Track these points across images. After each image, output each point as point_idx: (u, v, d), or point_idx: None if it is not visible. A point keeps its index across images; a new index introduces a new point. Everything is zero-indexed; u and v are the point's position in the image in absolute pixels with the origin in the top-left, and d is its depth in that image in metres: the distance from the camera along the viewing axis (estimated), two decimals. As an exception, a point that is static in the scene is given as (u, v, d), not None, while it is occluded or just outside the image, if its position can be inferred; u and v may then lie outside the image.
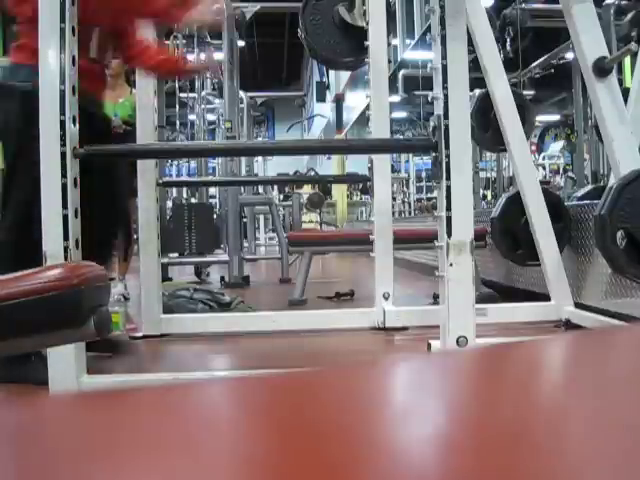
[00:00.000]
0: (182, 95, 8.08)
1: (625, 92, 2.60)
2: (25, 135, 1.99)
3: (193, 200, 7.19)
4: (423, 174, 11.93)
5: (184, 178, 9.37)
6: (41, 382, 1.77)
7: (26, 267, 0.90)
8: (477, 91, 3.24)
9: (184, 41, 6.89)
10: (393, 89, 8.35)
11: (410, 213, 11.44)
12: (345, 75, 12.28)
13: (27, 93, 2.00)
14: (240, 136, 5.52)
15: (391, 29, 7.89)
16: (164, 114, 5.03)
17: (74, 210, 1.74)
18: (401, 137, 10.13)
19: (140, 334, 2.74)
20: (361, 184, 10.34)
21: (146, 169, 2.77)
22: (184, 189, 7.53)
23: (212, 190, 8.46)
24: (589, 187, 4.39)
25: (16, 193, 2.08)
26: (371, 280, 2.96)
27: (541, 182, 3.24)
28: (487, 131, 3.20)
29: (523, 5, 6.14)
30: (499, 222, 3.03)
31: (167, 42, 5.99)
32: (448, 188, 1.81)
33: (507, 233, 3.02)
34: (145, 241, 2.82)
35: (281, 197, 10.24)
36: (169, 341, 2.75)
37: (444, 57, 1.81)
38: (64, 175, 1.72)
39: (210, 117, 8.89)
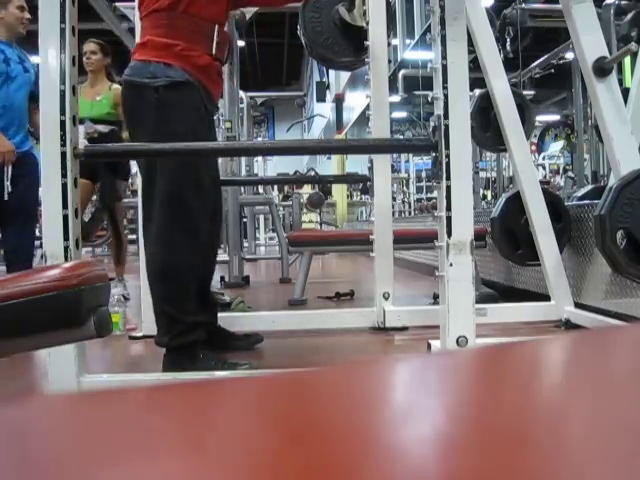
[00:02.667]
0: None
1: (625, 92, 2.60)
2: (162, 132, 1.99)
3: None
4: (423, 174, 11.93)
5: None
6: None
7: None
8: (477, 91, 3.24)
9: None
10: (393, 89, 8.35)
11: (410, 213, 11.44)
12: (345, 75, 12.29)
13: (161, 88, 2.03)
14: (240, 136, 5.52)
15: (391, 29, 7.90)
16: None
17: (74, 210, 1.74)
18: (401, 137, 10.13)
19: (140, 334, 2.74)
20: (361, 184, 10.34)
21: (146, 169, 2.77)
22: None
23: (212, 190, 8.44)
24: (589, 187, 4.38)
25: (161, 185, 2.06)
26: (371, 280, 2.96)
27: (541, 182, 3.24)
28: (487, 131, 3.20)
29: (523, 5, 6.13)
30: (499, 222, 3.03)
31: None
32: (448, 188, 1.81)
33: (507, 233, 3.02)
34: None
35: (281, 197, 10.24)
36: (169, 341, 2.75)
37: (444, 57, 1.81)
38: (64, 175, 1.73)
39: (210, 117, 8.87)
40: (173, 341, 2.06)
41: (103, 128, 3.70)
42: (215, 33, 2.12)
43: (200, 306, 2.20)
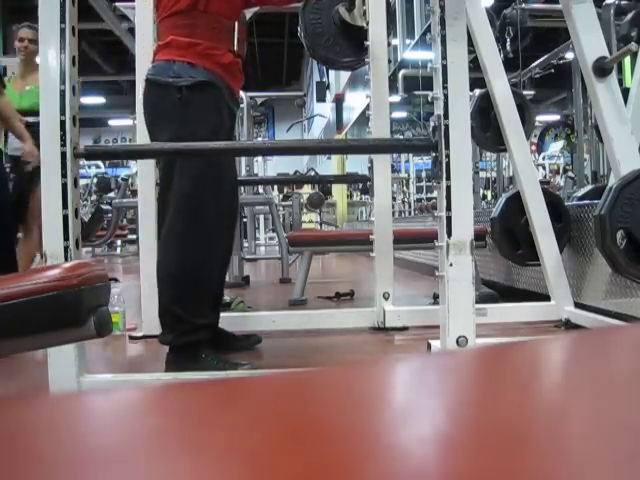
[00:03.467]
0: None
1: (625, 92, 2.60)
2: (183, 132, 1.99)
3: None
4: (423, 174, 11.92)
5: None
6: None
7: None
8: (477, 91, 3.23)
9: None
10: (393, 89, 8.35)
11: (410, 213, 11.44)
12: (345, 75, 12.28)
13: (185, 88, 2.03)
14: (240, 136, 5.52)
15: (391, 29, 7.90)
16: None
17: (74, 210, 1.74)
18: (401, 137, 10.12)
19: (140, 334, 2.74)
20: (361, 184, 10.34)
21: (146, 169, 2.77)
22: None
23: (212, 190, 8.44)
24: (589, 187, 4.38)
25: (178, 184, 2.07)
26: (371, 280, 2.96)
27: (541, 182, 3.24)
28: (487, 131, 3.20)
29: (523, 5, 6.13)
30: (499, 222, 3.03)
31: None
32: (448, 188, 1.81)
33: (507, 233, 3.02)
34: (145, 241, 2.81)
35: (281, 197, 10.24)
36: (169, 341, 2.75)
37: (444, 57, 1.81)
38: (64, 175, 1.73)
39: (210, 117, 8.86)
40: (177, 339, 2.07)
41: (33, 119, 3.39)
42: (235, 30, 2.14)
43: (211, 309, 2.21)
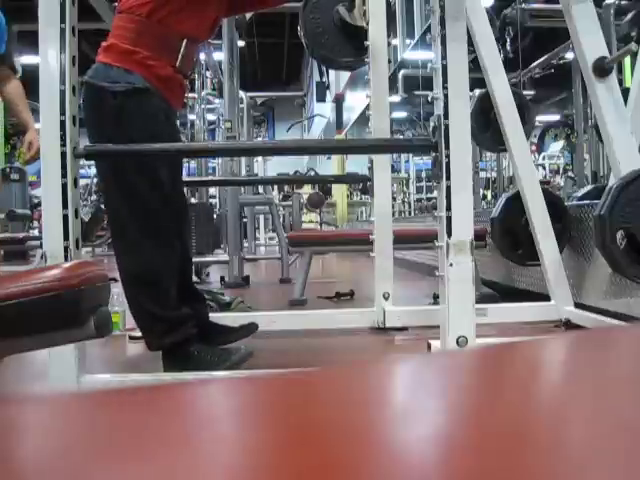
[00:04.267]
0: (182, 95, 8.05)
1: (625, 92, 2.60)
2: (119, 137, 1.99)
3: (193, 200, 7.19)
4: (423, 174, 11.93)
5: (184, 178, 9.34)
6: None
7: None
8: (477, 91, 3.23)
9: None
10: (393, 89, 8.35)
11: (410, 213, 11.44)
12: (345, 75, 12.28)
13: (119, 94, 2.03)
14: (240, 136, 5.52)
15: (391, 29, 7.89)
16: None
17: (74, 210, 1.74)
18: (401, 137, 10.12)
19: (140, 334, 2.73)
20: (361, 184, 10.33)
21: (146, 169, 2.77)
22: (184, 189, 7.50)
23: (212, 190, 8.45)
24: (589, 187, 4.39)
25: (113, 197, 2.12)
26: (371, 280, 2.96)
27: (541, 182, 3.24)
28: (487, 131, 3.20)
29: (523, 5, 6.13)
30: (499, 222, 3.03)
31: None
32: (448, 188, 1.81)
33: (507, 233, 3.02)
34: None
35: (281, 197, 10.24)
36: (169, 341, 2.75)
37: (444, 57, 1.81)
38: (64, 175, 1.73)
39: (210, 117, 8.89)
40: (163, 341, 2.06)
41: None
42: (182, 47, 2.12)
43: (181, 301, 2.19)
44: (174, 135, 2.37)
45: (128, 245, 2.12)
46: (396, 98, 9.04)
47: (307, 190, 9.94)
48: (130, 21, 2.08)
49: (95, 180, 9.76)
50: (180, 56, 2.12)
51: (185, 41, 2.13)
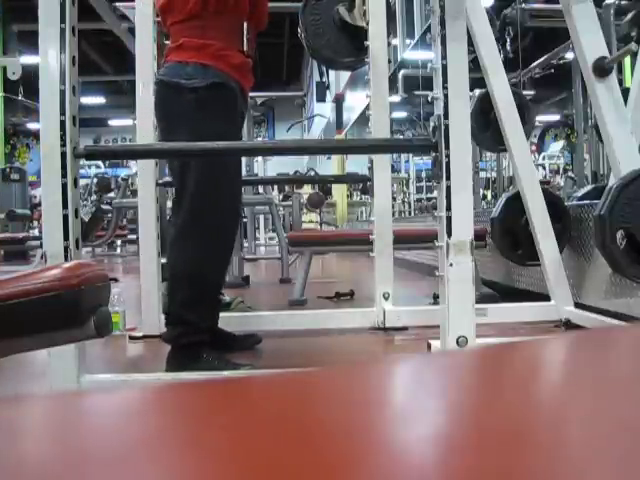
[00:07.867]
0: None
1: (625, 92, 2.60)
2: (199, 130, 2.00)
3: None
4: (423, 174, 11.93)
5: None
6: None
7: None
8: (477, 91, 3.23)
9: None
10: (393, 89, 8.35)
11: (410, 213, 11.44)
12: (345, 75, 12.27)
13: (200, 89, 2.05)
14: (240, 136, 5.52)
15: (391, 29, 7.89)
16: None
17: (74, 210, 1.74)
18: (401, 137, 10.12)
19: (140, 334, 2.74)
20: (361, 184, 10.33)
21: (146, 169, 2.77)
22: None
23: (212, 190, 8.43)
24: (589, 187, 4.38)
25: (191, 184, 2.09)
26: (371, 280, 2.96)
27: (541, 182, 3.24)
28: (487, 131, 3.20)
29: (523, 5, 6.13)
30: (499, 222, 3.03)
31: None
32: (448, 188, 1.81)
33: (507, 233, 3.02)
34: (145, 241, 2.82)
35: (281, 197, 10.23)
36: (169, 341, 2.75)
37: (444, 57, 1.81)
38: (64, 175, 1.73)
39: (210, 117, 8.85)
40: (181, 339, 2.08)
41: None
42: (245, 29, 2.17)
43: (212, 310, 2.22)
44: (241, 129, 2.40)
45: (195, 245, 2.11)
46: (396, 98, 9.05)
47: (307, 190, 9.94)
48: (190, 22, 2.11)
49: (95, 180, 9.77)
50: (245, 40, 2.16)
51: (245, 24, 2.17)
